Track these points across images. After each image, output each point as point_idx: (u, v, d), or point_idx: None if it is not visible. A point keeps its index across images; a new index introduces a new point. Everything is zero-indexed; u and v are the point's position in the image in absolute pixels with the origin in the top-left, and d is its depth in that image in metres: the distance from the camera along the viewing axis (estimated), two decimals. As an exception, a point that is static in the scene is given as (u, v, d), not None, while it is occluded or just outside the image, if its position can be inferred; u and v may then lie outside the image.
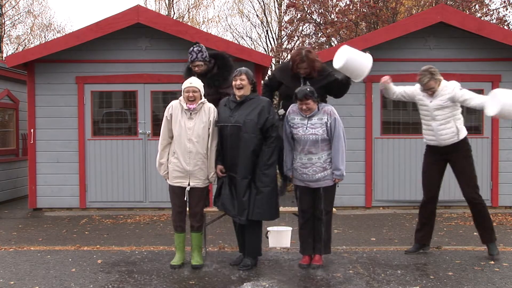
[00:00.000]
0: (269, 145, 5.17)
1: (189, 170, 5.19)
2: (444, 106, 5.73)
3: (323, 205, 5.24)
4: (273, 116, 5.22)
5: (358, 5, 19.22)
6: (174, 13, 27.77)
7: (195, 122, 5.19)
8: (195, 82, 5.24)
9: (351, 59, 5.33)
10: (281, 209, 6.40)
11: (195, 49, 5.61)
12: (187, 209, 5.35)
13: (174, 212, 5.38)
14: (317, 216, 5.27)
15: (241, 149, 5.12)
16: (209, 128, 5.25)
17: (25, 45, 27.71)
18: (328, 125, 5.13)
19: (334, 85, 5.55)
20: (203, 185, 5.33)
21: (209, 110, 5.28)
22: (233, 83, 5.20)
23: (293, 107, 5.28)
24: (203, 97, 5.27)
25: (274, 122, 5.19)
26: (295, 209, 5.93)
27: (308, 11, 20.45)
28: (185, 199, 5.25)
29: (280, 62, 24.66)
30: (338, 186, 5.35)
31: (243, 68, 5.30)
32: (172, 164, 5.27)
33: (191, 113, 5.22)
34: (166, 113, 5.34)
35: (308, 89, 5.09)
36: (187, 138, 5.20)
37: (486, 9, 20.05)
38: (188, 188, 5.23)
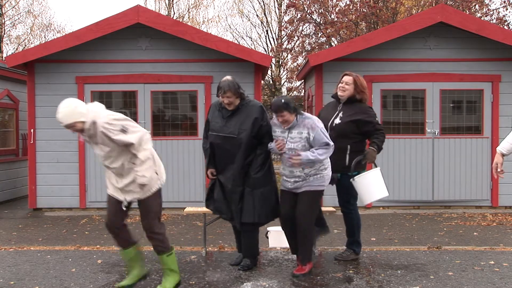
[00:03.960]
0: (263, 148, 5.11)
1: (120, 187, 4.50)
2: None
3: (301, 208, 5.00)
4: (267, 123, 5.10)
5: (358, 5, 19.24)
6: (174, 13, 27.80)
7: (101, 147, 4.37)
8: (62, 119, 4.21)
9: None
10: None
11: None
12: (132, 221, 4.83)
13: (105, 221, 4.69)
14: (297, 221, 5.03)
15: (237, 158, 5.05)
16: (120, 142, 4.30)
17: (25, 45, 27.73)
18: (311, 139, 4.88)
19: (367, 128, 5.36)
20: (145, 196, 4.53)
21: (106, 132, 4.26)
22: (220, 98, 5.08)
23: (274, 119, 5.13)
24: (89, 119, 4.22)
25: (268, 129, 5.09)
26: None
27: (308, 11, 20.47)
28: (122, 211, 4.58)
29: (280, 62, 24.69)
30: (323, 194, 5.19)
31: (226, 84, 5.03)
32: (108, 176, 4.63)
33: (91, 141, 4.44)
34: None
35: (282, 100, 4.86)
36: (102, 163, 4.52)
37: (486, 9, 20.07)
38: (125, 203, 4.53)
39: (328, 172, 5.11)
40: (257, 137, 5.07)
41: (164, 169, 4.81)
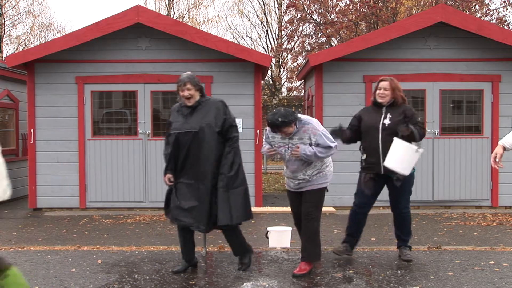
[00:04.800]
0: (231, 145, 4.92)
1: None
2: None
3: (306, 208, 5.06)
4: (230, 116, 4.95)
5: (358, 5, 19.26)
6: (174, 13, 27.81)
7: None
8: None
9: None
10: (283, 209, 6.39)
11: None
12: None
13: None
14: (303, 221, 5.11)
15: (202, 156, 4.83)
16: None
17: (25, 45, 27.74)
18: (313, 143, 4.91)
19: (411, 119, 5.32)
20: None
21: None
22: (180, 93, 4.88)
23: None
24: None
25: (232, 123, 4.93)
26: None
27: (308, 11, 20.49)
28: None
29: (280, 62, 24.71)
30: (327, 191, 5.19)
31: (185, 76, 4.89)
32: None
33: None
34: None
35: (279, 119, 4.79)
36: None
37: (486, 9, 20.09)
38: None
39: (330, 169, 5.15)
40: (222, 133, 4.89)
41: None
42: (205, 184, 4.86)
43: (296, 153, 4.91)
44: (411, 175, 5.38)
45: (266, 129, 5.28)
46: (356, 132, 5.58)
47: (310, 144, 4.90)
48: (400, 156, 5.17)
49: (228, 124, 4.91)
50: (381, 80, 5.45)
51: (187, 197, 4.90)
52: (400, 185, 5.36)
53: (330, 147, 4.90)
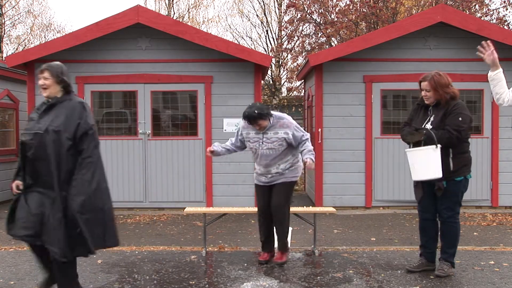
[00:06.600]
0: (84, 159, 3.98)
1: None
2: None
3: (278, 199, 5.28)
4: (86, 122, 4.04)
5: (358, 5, 19.24)
6: (174, 13, 27.79)
7: None
8: None
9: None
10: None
11: None
12: None
13: None
14: (273, 212, 5.33)
15: (47, 166, 3.96)
16: None
17: (25, 45, 27.72)
18: (291, 136, 5.20)
19: (448, 118, 4.82)
20: None
21: None
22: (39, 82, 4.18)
23: (245, 122, 5.33)
24: None
25: (87, 130, 4.02)
26: (297, 209, 5.96)
27: (308, 11, 20.48)
28: None
29: (280, 62, 24.71)
30: (297, 185, 5.44)
31: (47, 63, 4.22)
32: None
33: None
34: None
35: (256, 111, 5.10)
36: None
37: (486, 9, 20.07)
38: None
39: (300, 163, 5.43)
40: (75, 139, 4.01)
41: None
42: (54, 198, 3.98)
43: (313, 165, 5.16)
44: (459, 183, 4.94)
45: (238, 125, 5.38)
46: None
47: (285, 139, 5.17)
48: (421, 164, 4.78)
49: (81, 131, 4.00)
50: (421, 80, 4.94)
51: (34, 209, 4.09)
52: (442, 194, 4.93)
53: (308, 138, 5.26)
